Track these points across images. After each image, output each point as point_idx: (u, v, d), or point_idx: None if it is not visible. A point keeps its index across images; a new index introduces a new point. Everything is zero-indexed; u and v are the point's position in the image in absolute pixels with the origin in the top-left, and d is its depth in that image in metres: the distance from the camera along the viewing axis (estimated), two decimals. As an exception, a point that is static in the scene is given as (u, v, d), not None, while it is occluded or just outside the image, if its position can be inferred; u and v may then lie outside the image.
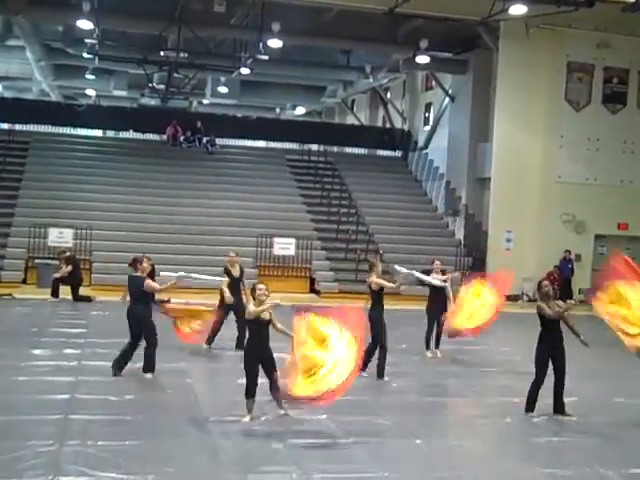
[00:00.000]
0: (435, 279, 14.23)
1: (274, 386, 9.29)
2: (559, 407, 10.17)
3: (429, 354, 14.31)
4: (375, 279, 12.06)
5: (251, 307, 9.26)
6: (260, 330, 9.19)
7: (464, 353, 14.69)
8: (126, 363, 11.28)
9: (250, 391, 9.19)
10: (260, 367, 9.23)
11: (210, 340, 13.66)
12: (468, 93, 28.16)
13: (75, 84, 37.31)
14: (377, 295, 12.07)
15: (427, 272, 14.27)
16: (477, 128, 27.53)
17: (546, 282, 10.45)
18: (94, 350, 13.11)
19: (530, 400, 10.16)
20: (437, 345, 14.41)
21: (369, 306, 11.96)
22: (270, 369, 9.27)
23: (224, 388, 11.05)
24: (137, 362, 11.47)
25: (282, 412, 9.41)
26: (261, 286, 9.36)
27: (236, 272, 13.85)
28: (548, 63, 25.32)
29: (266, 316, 9.20)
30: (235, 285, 13.69)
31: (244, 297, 13.24)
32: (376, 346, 11.91)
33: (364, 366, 11.74)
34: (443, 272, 14.72)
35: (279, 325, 9.34)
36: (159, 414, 9.50)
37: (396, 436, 9.10)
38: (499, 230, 25.52)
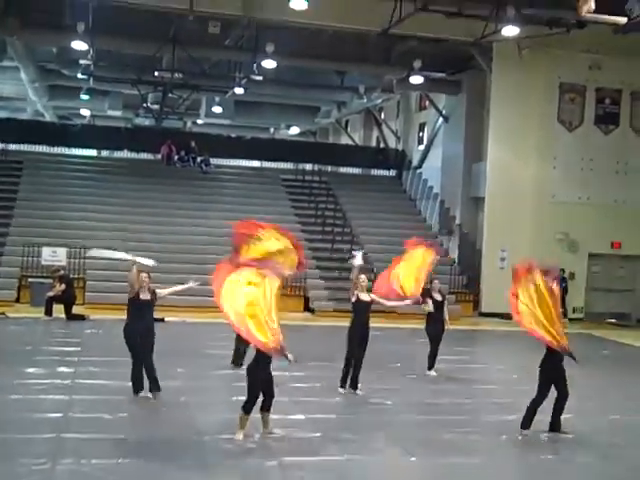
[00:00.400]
0: (432, 298, 14.16)
1: (266, 405, 9.25)
2: (556, 425, 10.16)
3: (433, 373, 14.14)
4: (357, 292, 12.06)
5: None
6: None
7: (459, 371, 14.67)
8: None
9: (249, 408, 9.15)
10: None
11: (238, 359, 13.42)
12: (462, 113, 28.32)
13: (70, 104, 37.41)
14: (353, 309, 12.08)
15: (427, 291, 14.21)
16: (471, 148, 27.67)
17: None
18: (88, 368, 13.06)
19: (527, 417, 10.14)
20: (431, 365, 14.30)
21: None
22: (270, 388, 9.24)
23: (218, 406, 11.00)
24: (130, 381, 11.43)
25: (268, 431, 9.34)
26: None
27: None
28: (541, 84, 25.49)
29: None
30: None
31: None
32: (348, 360, 11.88)
33: (343, 381, 11.79)
34: (441, 292, 14.67)
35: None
36: (153, 432, 9.45)
37: (391, 454, 9.06)
38: (493, 249, 25.56)
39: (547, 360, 10.07)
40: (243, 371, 13.44)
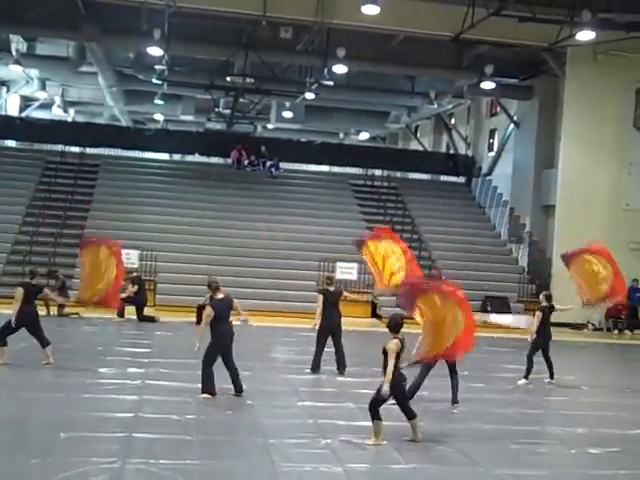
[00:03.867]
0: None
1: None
2: None
3: (521, 382, 14.07)
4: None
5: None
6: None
7: (528, 381, 14.44)
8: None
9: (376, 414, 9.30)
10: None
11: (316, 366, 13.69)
12: (533, 119, 27.92)
13: (144, 109, 38.20)
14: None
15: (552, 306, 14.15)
16: (542, 154, 27.25)
17: None
18: (157, 370, 13.28)
19: None
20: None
21: None
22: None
23: (284, 410, 11.07)
24: (198, 383, 11.60)
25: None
26: None
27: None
28: (616, 89, 24.96)
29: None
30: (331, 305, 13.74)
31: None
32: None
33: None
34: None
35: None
36: (220, 434, 9.55)
37: (457, 463, 8.98)
38: (564, 258, 25.04)
39: None
40: (310, 376, 13.57)
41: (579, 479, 8.84)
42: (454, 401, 11.86)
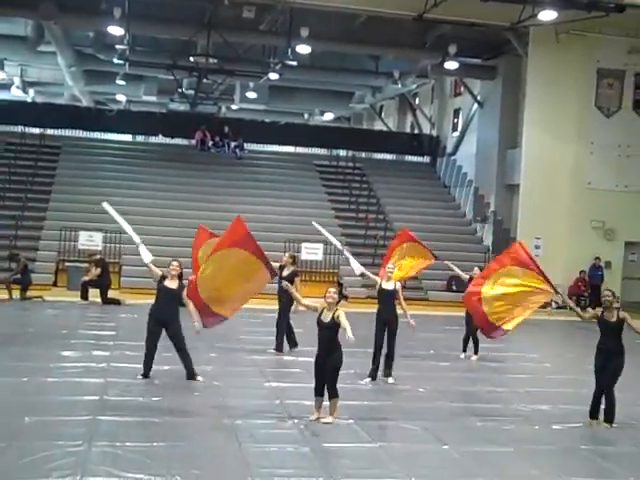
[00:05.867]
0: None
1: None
2: (596, 412, 10.10)
3: (462, 355, 14.54)
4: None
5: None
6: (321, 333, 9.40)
7: (492, 360, 14.61)
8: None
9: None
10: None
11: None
12: (497, 99, 28.05)
13: (106, 89, 37.69)
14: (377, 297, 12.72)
15: (470, 278, 14.31)
16: (506, 134, 27.40)
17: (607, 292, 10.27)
18: (123, 352, 13.20)
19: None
20: (476, 351, 14.59)
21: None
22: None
23: (251, 391, 11.07)
24: (164, 365, 11.55)
25: (314, 418, 9.42)
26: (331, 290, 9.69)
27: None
28: (578, 69, 25.15)
29: (326, 319, 9.30)
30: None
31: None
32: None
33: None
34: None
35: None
36: (186, 416, 9.53)
37: (423, 441, 9.05)
38: (528, 237, 25.17)
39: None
40: (275, 357, 13.59)
41: (543, 455, 8.97)
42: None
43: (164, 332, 11.28)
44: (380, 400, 10.97)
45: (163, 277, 11.20)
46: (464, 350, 14.62)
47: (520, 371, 14.05)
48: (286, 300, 13.60)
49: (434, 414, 10.33)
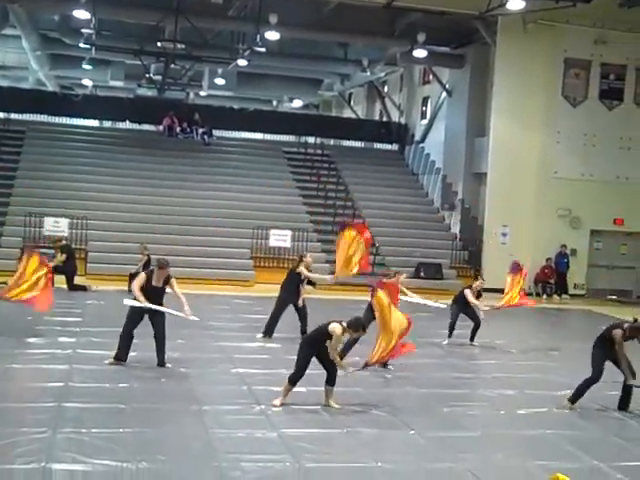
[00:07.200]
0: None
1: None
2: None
3: (445, 342, 14.90)
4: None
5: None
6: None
7: (459, 346, 14.72)
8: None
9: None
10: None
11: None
12: (465, 87, 28.14)
13: (72, 74, 37.19)
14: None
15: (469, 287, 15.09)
16: (474, 123, 27.51)
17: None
18: (89, 339, 13.11)
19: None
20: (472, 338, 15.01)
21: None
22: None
23: (218, 377, 11.06)
24: (131, 352, 11.48)
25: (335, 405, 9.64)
26: None
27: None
28: (545, 58, 25.30)
29: None
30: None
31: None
32: None
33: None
34: (479, 294, 15.20)
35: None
36: (153, 402, 9.49)
37: (390, 427, 9.11)
38: (495, 224, 25.54)
39: None
40: (244, 344, 13.58)
41: (509, 439, 9.07)
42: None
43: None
44: (348, 386, 11.00)
45: (148, 280, 11.29)
46: (449, 336, 14.90)
47: (486, 357, 14.18)
48: (285, 295, 14.28)
49: (401, 400, 10.39)
